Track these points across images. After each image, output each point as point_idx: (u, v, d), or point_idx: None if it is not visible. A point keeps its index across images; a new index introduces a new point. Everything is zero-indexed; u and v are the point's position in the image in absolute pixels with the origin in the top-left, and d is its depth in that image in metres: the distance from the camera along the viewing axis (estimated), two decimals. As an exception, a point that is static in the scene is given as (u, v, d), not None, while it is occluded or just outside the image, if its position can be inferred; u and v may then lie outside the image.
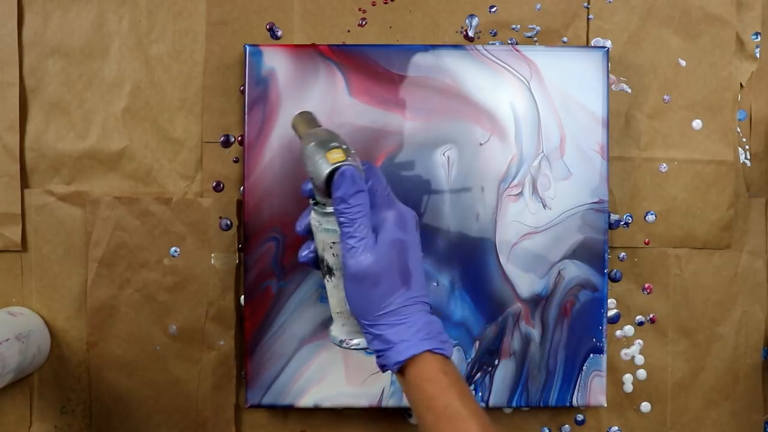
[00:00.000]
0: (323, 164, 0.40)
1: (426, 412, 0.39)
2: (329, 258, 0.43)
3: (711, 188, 0.54)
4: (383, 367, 0.41)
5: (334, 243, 0.42)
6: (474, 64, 0.52)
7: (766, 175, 0.56)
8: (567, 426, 0.55)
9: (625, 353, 0.55)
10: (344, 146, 0.40)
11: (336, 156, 0.40)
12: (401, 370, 0.40)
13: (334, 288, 0.44)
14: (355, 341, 0.44)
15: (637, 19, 0.54)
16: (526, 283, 0.52)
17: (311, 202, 0.43)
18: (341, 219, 0.39)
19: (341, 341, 0.45)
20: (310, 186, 0.43)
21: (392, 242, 0.40)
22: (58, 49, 0.54)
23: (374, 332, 0.40)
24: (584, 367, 0.53)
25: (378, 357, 0.41)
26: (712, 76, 0.54)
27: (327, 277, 0.44)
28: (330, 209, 0.41)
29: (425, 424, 0.39)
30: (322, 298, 0.52)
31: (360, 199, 0.39)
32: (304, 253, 0.44)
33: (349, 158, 0.40)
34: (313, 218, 0.43)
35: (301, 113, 0.46)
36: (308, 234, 0.44)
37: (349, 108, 0.52)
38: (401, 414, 0.55)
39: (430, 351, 0.39)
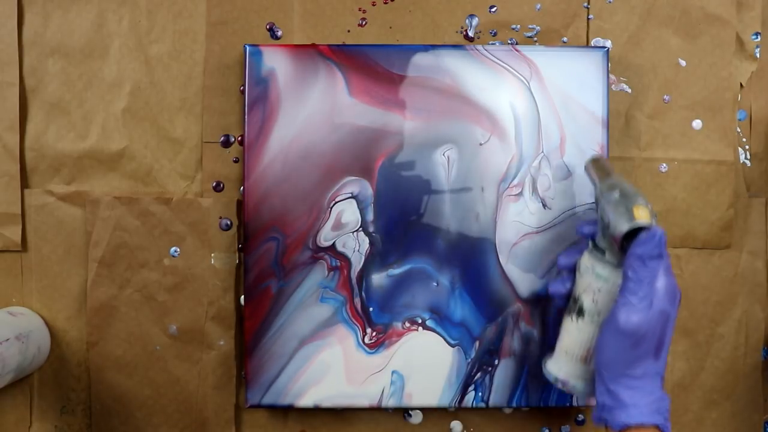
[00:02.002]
0: (627, 219, 0.40)
1: None
2: (587, 301, 0.44)
3: (711, 188, 0.54)
4: (603, 422, 0.42)
5: (599, 289, 0.43)
6: (474, 64, 0.52)
7: (766, 175, 0.56)
8: (567, 426, 0.55)
9: (649, 205, 0.54)
10: (649, 205, 0.41)
11: (643, 213, 0.40)
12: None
13: (576, 329, 0.45)
14: (572, 384, 0.46)
15: (637, 19, 0.54)
16: (526, 283, 0.52)
17: (590, 244, 0.44)
18: (630, 275, 0.40)
19: (557, 380, 0.46)
20: (591, 230, 0.44)
21: (661, 312, 0.40)
22: (58, 49, 0.54)
23: (610, 387, 0.41)
24: (584, 367, 0.53)
25: (601, 410, 0.42)
26: (712, 76, 0.54)
27: (573, 316, 0.45)
28: (609, 258, 0.42)
29: None
30: (323, 298, 0.52)
31: (657, 263, 0.40)
32: (559, 286, 0.46)
33: (653, 220, 0.40)
34: (586, 259, 0.44)
35: (599, 158, 0.47)
36: (569, 269, 0.46)
37: (349, 108, 0.52)
38: (401, 414, 0.55)
39: (656, 426, 0.40)
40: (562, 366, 0.46)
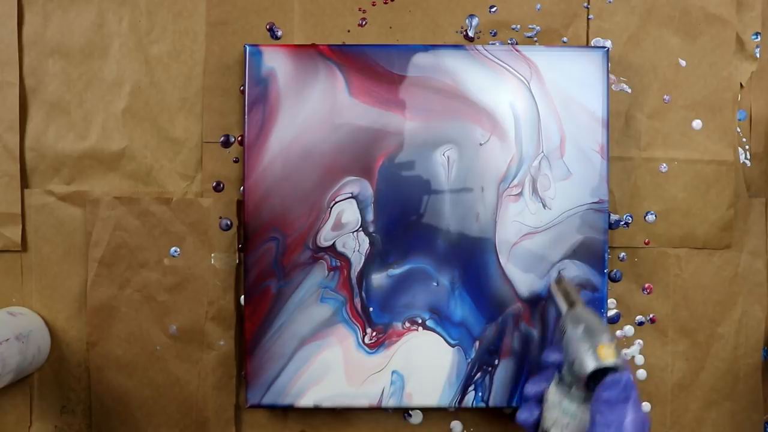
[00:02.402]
0: (592, 358, 0.40)
1: None
2: None
3: (711, 188, 0.54)
4: None
5: (567, 424, 0.42)
6: (474, 64, 0.52)
7: (766, 175, 0.56)
8: (567, 426, 0.55)
9: (625, 353, 0.55)
10: (614, 341, 0.41)
11: (608, 353, 0.40)
12: None
13: None
14: None
15: (637, 19, 0.54)
16: (526, 283, 0.52)
17: (556, 376, 0.44)
18: (598, 419, 0.39)
19: None
20: (557, 358, 0.44)
21: None
22: (58, 49, 0.54)
23: None
24: (584, 367, 0.53)
25: None
26: (712, 76, 0.54)
27: None
28: (577, 393, 0.42)
29: None
30: (323, 298, 0.52)
31: (625, 407, 0.39)
32: (526, 416, 0.45)
33: (618, 359, 0.40)
34: (553, 393, 0.43)
35: (561, 280, 0.47)
36: (535, 399, 0.45)
37: (349, 108, 0.52)
38: (401, 414, 0.55)
39: None
40: None
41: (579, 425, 0.42)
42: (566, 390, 0.43)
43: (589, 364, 0.40)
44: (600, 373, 0.40)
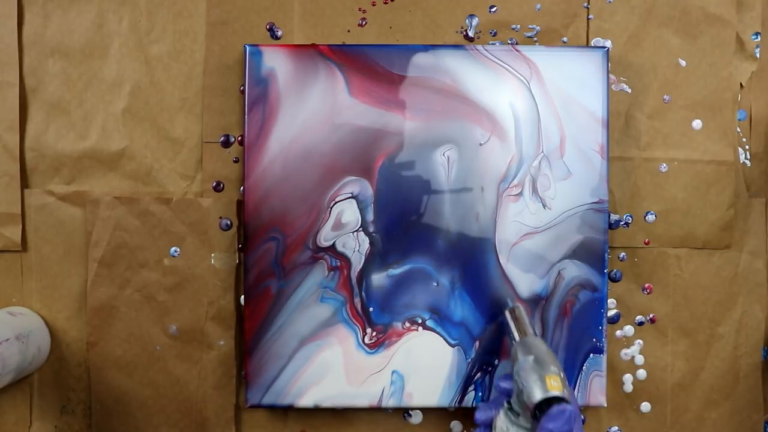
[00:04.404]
0: (540, 388, 0.41)
1: None
2: None
3: (711, 188, 0.54)
4: None
5: None
6: (474, 64, 0.52)
7: (766, 175, 0.56)
8: (567, 426, 0.55)
9: (625, 353, 0.55)
10: (562, 374, 0.42)
11: (555, 384, 0.41)
12: None
13: None
14: None
15: (637, 19, 0.54)
16: (526, 283, 0.52)
17: (505, 404, 0.45)
18: None
19: None
20: (507, 386, 0.46)
21: None
22: (58, 49, 0.54)
23: None
24: (584, 367, 0.53)
25: None
26: (712, 76, 0.54)
27: None
28: (524, 423, 0.43)
29: None
30: (323, 298, 0.52)
31: None
32: None
33: (565, 390, 0.41)
34: (502, 420, 0.45)
35: (515, 309, 0.49)
36: (485, 425, 0.46)
37: (349, 108, 0.52)
38: (401, 414, 0.55)
39: None
40: None
41: None
42: (515, 418, 0.44)
43: (537, 394, 0.41)
44: (546, 404, 0.41)
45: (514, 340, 0.47)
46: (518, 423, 0.44)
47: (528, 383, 0.42)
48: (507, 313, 0.49)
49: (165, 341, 0.54)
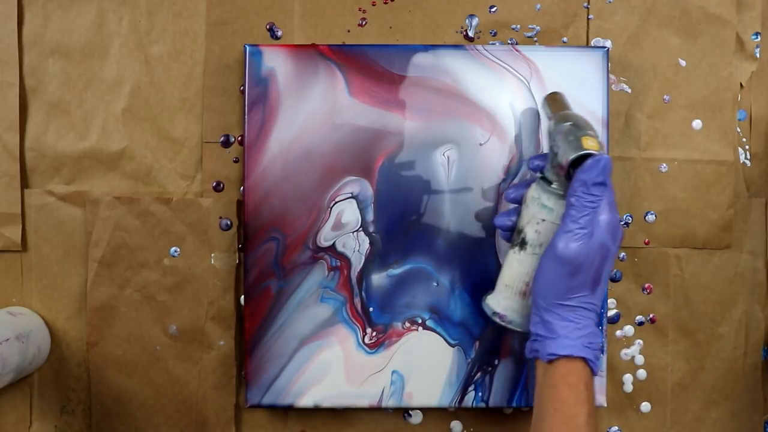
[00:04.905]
0: (576, 146, 0.40)
1: (551, 412, 0.40)
2: (530, 232, 0.43)
3: (711, 188, 0.54)
4: (534, 352, 0.42)
5: (543, 220, 0.43)
6: (474, 64, 0.52)
7: (766, 175, 0.56)
8: (567, 426, 0.55)
9: (625, 353, 0.55)
10: (599, 137, 0.41)
11: (591, 143, 0.40)
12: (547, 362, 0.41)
13: (517, 261, 0.44)
14: (510, 318, 0.45)
15: (637, 19, 0.54)
16: (526, 283, 0.52)
17: (538, 175, 0.44)
18: (573, 201, 0.40)
19: (495, 313, 0.46)
20: (540, 162, 0.44)
21: (601, 245, 0.40)
22: (58, 49, 0.54)
23: (545, 317, 0.41)
24: (584, 367, 0.52)
25: (534, 341, 0.42)
26: (712, 76, 0.54)
27: (516, 248, 0.44)
28: (556, 188, 0.42)
29: (542, 424, 0.40)
30: (323, 298, 0.52)
31: (601, 191, 0.39)
32: (504, 219, 0.46)
33: (601, 150, 0.40)
34: (533, 190, 0.44)
35: (556, 93, 0.47)
36: (516, 202, 0.45)
37: (349, 108, 0.52)
38: (401, 414, 0.55)
39: (585, 360, 0.40)
40: (501, 300, 0.46)
41: (555, 220, 0.43)
42: (546, 186, 0.43)
43: (572, 152, 0.40)
44: (581, 160, 0.40)
45: (552, 114, 0.45)
46: (550, 190, 0.43)
47: (563, 145, 0.41)
48: (545, 98, 0.47)
49: (165, 341, 0.54)
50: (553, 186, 0.43)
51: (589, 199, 0.39)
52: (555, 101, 0.46)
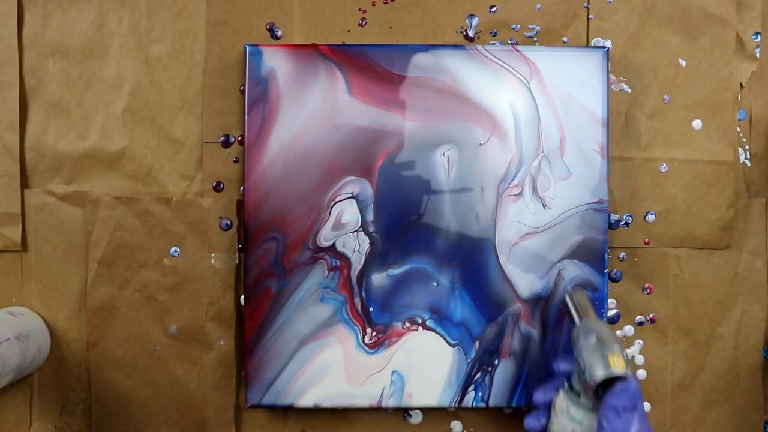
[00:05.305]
0: (603, 367, 0.41)
1: None
2: None
3: (711, 188, 0.54)
4: None
5: (574, 430, 0.43)
6: (474, 64, 0.52)
7: (766, 175, 0.56)
8: (567, 426, 0.55)
9: (625, 353, 0.55)
10: (625, 353, 0.42)
11: (618, 362, 0.41)
12: None
13: None
14: None
15: (637, 19, 0.54)
16: (526, 283, 0.52)
17: (565, 384, 0.45)
18: (605, 425, 0.40)
19: None
20: (566, 367, 0.45)
21: None
22: (58, 49, 0.54)
23: None
24: (584, 367, 0.53)
25: None
26: (712, 76, 0.54)
27: None
28: (585, 402, 0.43)
29: None
30: (323, 298, 0.52)
31: (632, 416, 0.40)
32: (533, 423, 0.47)
33: (628, 369, 0.41)
34: (561, 399, 0.44)
35: (578, 292, 0.48)
36: (545, 406, 0.46)
37: (349, 108, 0.52)
38: (401, 414, 0.55)
39: None
40: None
41: None
42: (575, 398, 0.43)
43: (600, 373, 0.41)
44: (609, 382, 0.41)
45: (576, 322, 0.46)
46: (579, 402, 0.43)
47: (590, 362, 0.41)
48: (567, 297, 0.48)
49: (165, 341, 0.54)
50: (582, 398, 0.43)
51: (620, 423, 0.40)
52: (578, 304, 0.47)
